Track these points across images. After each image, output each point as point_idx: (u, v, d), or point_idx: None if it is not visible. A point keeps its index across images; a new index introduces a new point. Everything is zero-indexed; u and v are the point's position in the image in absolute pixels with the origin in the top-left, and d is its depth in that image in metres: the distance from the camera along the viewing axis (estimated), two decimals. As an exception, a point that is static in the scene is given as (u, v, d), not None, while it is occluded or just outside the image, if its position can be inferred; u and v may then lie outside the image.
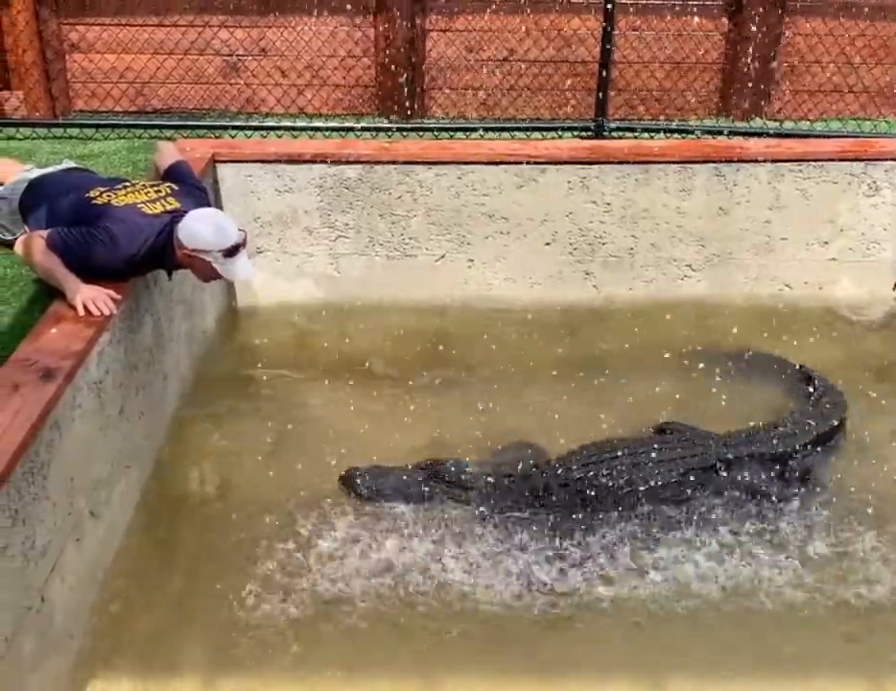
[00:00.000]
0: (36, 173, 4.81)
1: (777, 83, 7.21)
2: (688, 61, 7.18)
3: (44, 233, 4.12)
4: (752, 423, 4.73)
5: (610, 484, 4.26)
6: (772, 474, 4.43)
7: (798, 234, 6.19)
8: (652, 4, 7.01)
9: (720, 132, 6.71)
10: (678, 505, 4.29)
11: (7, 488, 2.99)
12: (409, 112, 7.15)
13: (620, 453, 4.36)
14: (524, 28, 7.03)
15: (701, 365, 5.33)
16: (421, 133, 6.74)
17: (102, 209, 4.26)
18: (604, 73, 6.58)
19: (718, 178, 6.03)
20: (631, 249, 6.19)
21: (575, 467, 4.30)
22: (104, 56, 7.07)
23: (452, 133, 6.76)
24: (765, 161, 5.99)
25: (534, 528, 4.15)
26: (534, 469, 4.36)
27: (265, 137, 6.67)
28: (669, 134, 6.70)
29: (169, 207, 4.33)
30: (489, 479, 4.32)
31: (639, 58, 7.13)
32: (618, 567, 3.98)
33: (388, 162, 5.94)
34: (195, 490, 4.46)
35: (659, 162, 5.98)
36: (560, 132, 6.79)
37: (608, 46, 6.49)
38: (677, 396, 5.03)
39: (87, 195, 4.37)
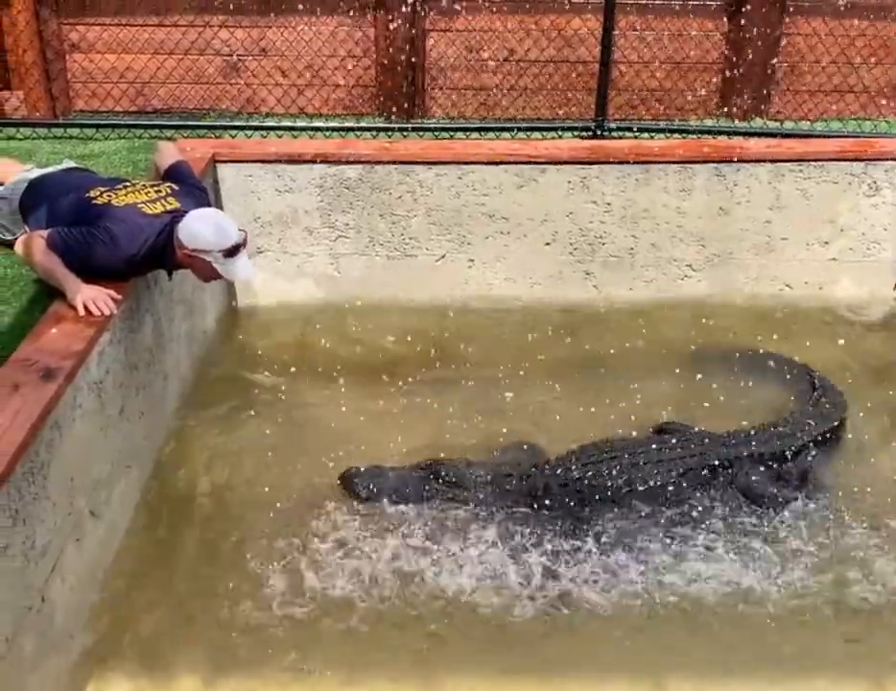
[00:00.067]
0: (37, 173, 4.82)
1: (777, 83, 7.21)
2: (688, 61, 7.18)
3: (44, 233, 4.12)
4: (752, 423, 4.73)
5: (609, 484, 4.25)
6: (772, 474, 4.43)
7: (798, 234, 6.19)
8: (653, 4, 7.01)
9: (721, 132, 6.71)
10: (678, 505, 4.29)
11: (7, 487, 3.00)
12: (409, 112, 7.16)
13: (619, 453, 4.35)
14: (524, 28, 7.03)
15: (701, 365, 5.34)
16: (421, 133, 6.74)
17: (102, 209, 4.26)
18: (605, 73, 6.58)
19: (718, 178, 6.03)
20: (631, 249, 6.19)
21: (574, 467, 4.30)
22: (104, 56, 7.07)
23: (452, 133, 6.76)
24: (765, 161, 5.99)
25: (534, 528, 4.14)
26: (534, 469, 4.35)
27: (265, 137, 6.67)
28: (669, 134, 6.69)
29: (169, 207, 4.34)
30: (489, 479, 4.32)
31: (639, 58, 7.13)
32: (618, 567, 3.98)
33: (388, 162, 5.95)
34: (195, 490, 4.45)
35: (659, 162, 5.99)
36: (560, 132, 6.79)
37: (608, 46, 6.49)
38: (677, 396, 5.04)
39: (88, 195, 4.37)
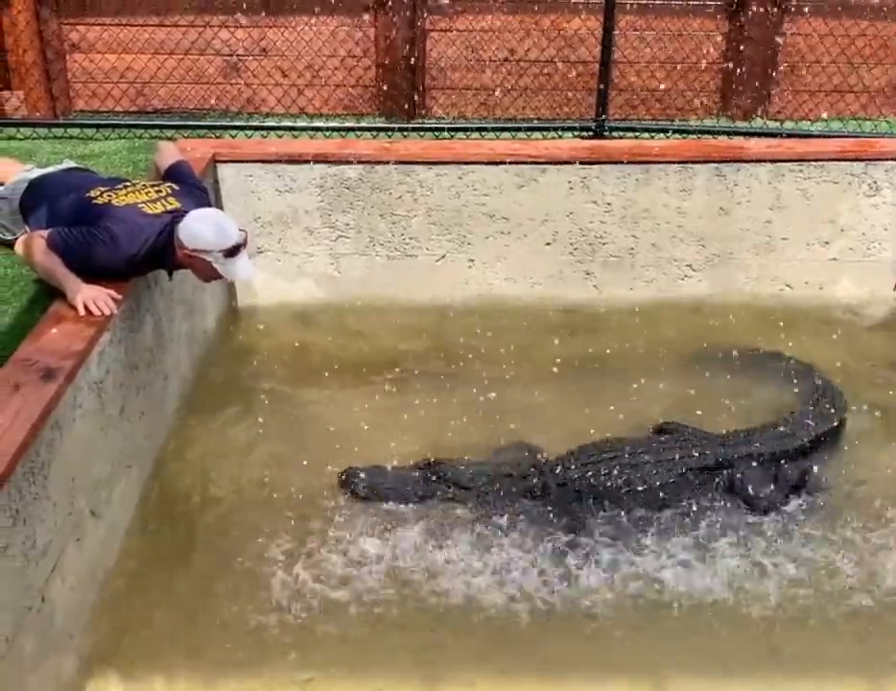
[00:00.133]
0: (37, 173, 4.82)
1: (777, 83, 7.21)
2: (688, 61, 7.17)
3: (45, 233, 4.12)
4: (752, 423, 4.73)
5: (609, 484, 4.26)
6: (770, 474, 4.43)
7: (799, 234, 6.19)
8: (653, 4, 7.01)
9: (721, 132, 6.71)
10: (677, 505, 4.29)
11: (8, 487, 3.00)
12: (409, 112, 7.17)
13: (619, 453, 4.36)
14: (524, 28, 7.03)
15: (701, 365, 5.34)
16: (422, 133, 6.74)
17: (102, 209, 4.26)
18: (605, 73, 6.58)
19: (718, 178, 6.03)
20: (632, 249, 6.19)
21: (573, 467, 4.30)
22: (104, 56, 7.07)
23: (452, 133, 6.76)
24: (765, 161, 5.99)
25: (533, 528, 4.15)
26: (533, 469, 4.36)
27: (265, 137, 6.67)
28: (669, 134, 6.70)
29: (169, 207, 4.34)
30: (488, 479, 4.32)
31: (639, 58, 7.13)
32: (617, 567, 3.98)
33: (388, 162, 5.95)
34: (195, 490, 4.45)
35: (660, 162, 5.98)
36: (561, 132, 6.79)
37: (609, 46, 6.49)
38: (677, 396, 5.03)
39: (88, 195, 4.37)
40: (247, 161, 5.90)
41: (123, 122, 6.83)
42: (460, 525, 4.18)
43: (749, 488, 4.35)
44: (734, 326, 5.85)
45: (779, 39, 7.06)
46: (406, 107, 7.15)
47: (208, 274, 4.23)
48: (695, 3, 6.98)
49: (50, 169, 4.91)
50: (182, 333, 5.11)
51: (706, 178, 6.03)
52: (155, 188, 4.49)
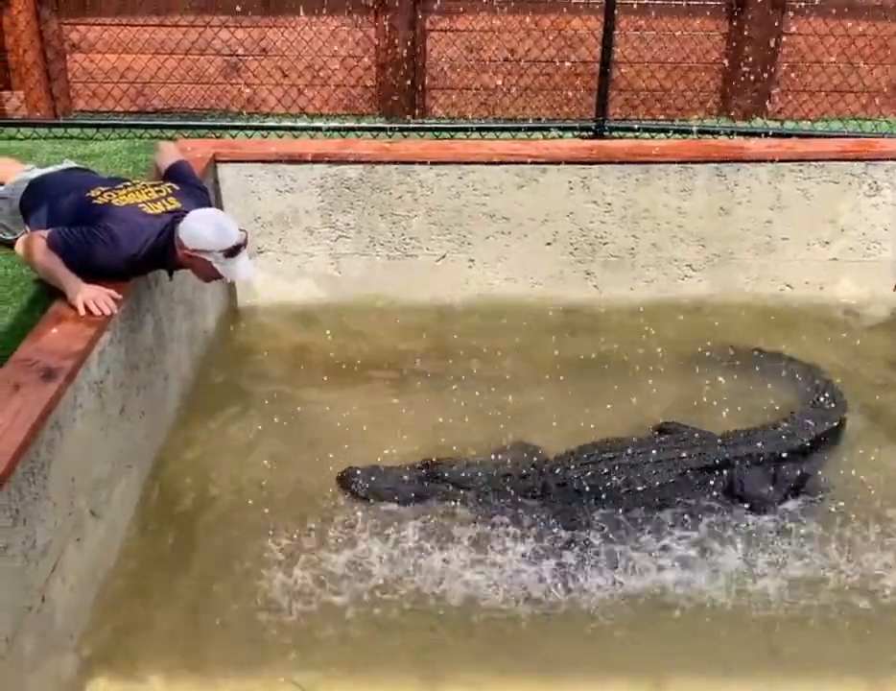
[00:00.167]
0: (37, 173, 4.82)
1: (778, 83, 7.21)
2: (689, 61, 7.18)
3: (45, 233, 4.12)
4: (752, 423, 4.73)
5: (608, 484, 4.26)
6: (770, 475, 4.42)
7: (799, 234, 6.19)
8: (653, 4, 7.01)
9: (721, 132, 6.70)
10: (676, 505, 4.29)
11: (8, 487, 3.00)
12: (410, 112, 7.16)
13: (618, 453, 4.36)
14: (524, 28, 7.03)
15: (702, 365, 5.34)
16: (422, 133, 6.74)
17: (103, 209, 4.26)
18: (605, 73, 6.58)
19: (718, 177, 6.03)
20: (632, 249, 6.19)
21: (573, 467, 4.31)
22: (104, 56, 7.07)
23: (453, 133, 6.75)
24: (765, 161, 5.99)
25: (532, 528, 4.15)
26: (532, 469, 4.36)
27: (266, 137, 6.67)
28: (669, 134, 6.69)
29: (170, 207, 4.34)
30: (487, 479, 4.32)
31: (640, 58, 7.13)
32: (617, 567, 3.98)
33: (388, 162, 5.95)
34: (195, 490, 4.46)
35: (660, 162, 5.98)
36: (561, 132, 6.79)
37: (609, 46, 6.48)
38: (678, 396, 5.03)
39: (88, 195, 4.37)
40: (248, 161, 5.91)
41: (123, 122, 6.83)
42: (460, 525, 4.18)
43: (748, 489, 4.35)
44: (734, 326, 5.85)
45: (779, 39, 7.06)
46: (406, 107, 7.15)
47: (208, 274, 4.22)
48: (695, 3, 6.98)
49: (50, 169, 4.91)
50: (183, 333, 5.11)
51: (706, 178, 6.03)
52: (156, 188, 4.49)
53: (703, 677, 3.58)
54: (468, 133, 6.76)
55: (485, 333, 5.72)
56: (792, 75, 7.20)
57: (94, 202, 4.32)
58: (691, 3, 6.96)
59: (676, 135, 6.67)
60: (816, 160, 6.02)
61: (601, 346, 5.66)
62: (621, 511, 4.23)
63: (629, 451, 4.38)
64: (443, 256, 6.19)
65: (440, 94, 7.26)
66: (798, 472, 4.45)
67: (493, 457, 4.55)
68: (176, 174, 4.75)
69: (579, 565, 3.97)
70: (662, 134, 6.69)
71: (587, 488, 4.25)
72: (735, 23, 7.04)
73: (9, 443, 3.05)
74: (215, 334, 5.76)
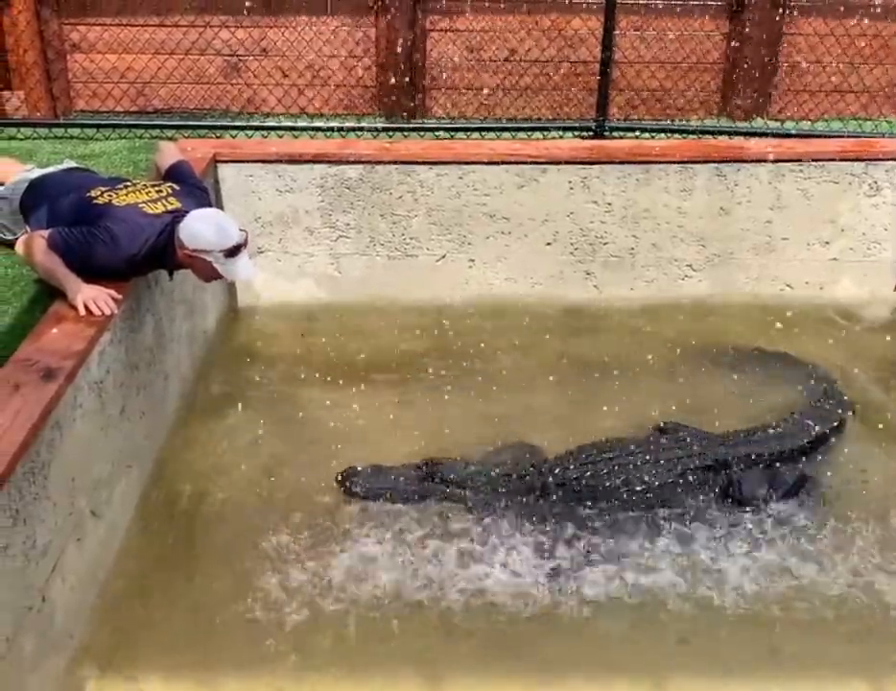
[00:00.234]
0: (37, 173, 4.82)
1: (778, 83, 7.21)
2: (689, 61, 7.18)
3: (45, 233, 4.12)
4: (753, 423, 4.73)
5: (607, 484, 4.26)
6: (769, 475, 4.42)
7: (799, 234, 6.19)
8: (653, 4, 7.01)
9: (721, 132, 6.71)
10: (675, 505, 4.29)
11: (8, 487, 3.00)
12: (410, 112, 7.17)
13: (617, 453, 4.36)
14: (525, 28, 7.03)
15: (702, 365, 5.34)
16: (422, 133, 6.75)
17: (103, 209, 4.26)
18: (605, 73, 6.58)
19: (719, 178, 6.03)
20: (632, 249, 6.19)
21: (572, 467, 4.30)
22: (105, 56, 7.08)
23: (453, 133, 6.76)
24: (765, 161, 5.99)
25: (532, 528, 4.15)
26: (532, 469, 4.36)
27: (266, 137, 6.67)
28: (670, 134, 6.70)
29: (170, 207, 4.34)
30: (487, 479, 4.32)
31: (640, 57, 7.14)
32: (617, 567, 3.98)
33: (389, 162, 5.95)
34: (196, 490, 4.45)
35: (660, 162, 5.99)
36: (561, 132, 6.79)
37: (609, 46, 6.49)
38: (677, 396, 5.03)
39: (88, 195, 4.37)
40: (248, 161, 5.91)
41: (123, 122, 6.84)
42: (459, 525, 4.18)
43: (747, 489, 4.34)
44: (734, 326, 5.85)
45: (779, 39, 7.06)
46: (406, 107, 7.15)
47: (209, 274, 4.23)
48: (695, 3, 6.99)
49: (50, 169, 4.92)
50: (183, 333, 5.12)
51: (706, 178, 6.03)
52: (156, 188, 4.49)
53: (703, 677, 3.58)
54: (468, 133, 6.76)
55: (485, 333, 5.72)
56: (792, 75, 7.21)
57: (94, 202, 4.32)
58: (691, 3, 6.97)
59: (676, 135, 6.68)
60: (816, 160, 6.02)
61: (601, 346, 5.66)
62: (620, 511, 4.23)
63: (629, 451, 4.37)
64: (443, 256, 6.19)
65: (440, 94, 7.27)
66: (797, 473, 4.45)
67: (493, 457, 4.55)
68: (176, 174, 4.75)
69: (579, 565, 3.97)
70: (662, 134, 6.70)
71: (586, 488, 4.25)
72: (735, 23, 7.05)
73: (9, 443, 3.05)
74: (215, 334, 5.76)
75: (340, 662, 3.57)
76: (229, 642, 3.65)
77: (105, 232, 4.10)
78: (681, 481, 4.32)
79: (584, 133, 6.79)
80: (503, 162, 5.97)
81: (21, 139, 6.58)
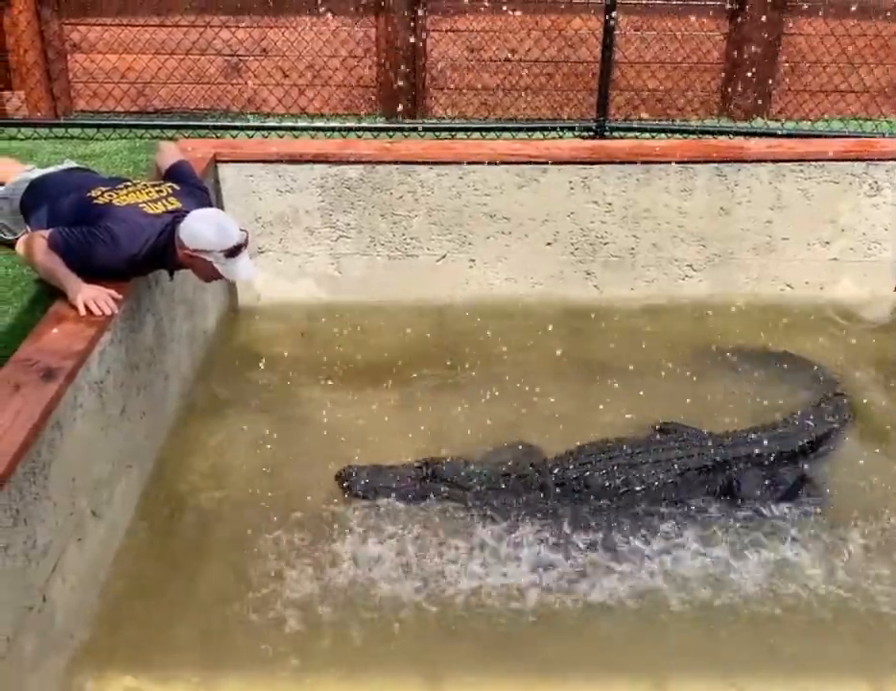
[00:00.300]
0: (38, 173, 4.82)
1: (778, 83, 7.22)
2: (689, 61, 7.18)
3: (45, 233, 4.13)
4: (753, 423, 4.73)
5: (607, 484, 4.26)
6: (769, 475, 4.42)
7: (799, 234, 6.19)
8: (654, 4, 7.01)
9: (722, 132, 6.71)
10: (675, 505, 4.29)
11: (8, 487, 3.00)
12: (410, 112, 7.17)
13: (617, 453, 4.36)
14: (525, 28, 7.03)
15: (702, 365, 5.34)
16: (422, 133, 6.74)
17: (103, 209, 4.26)
18: (606, 73, 6.59)
19: (719, 178, 6.03)
20: (632, 249, 6.19)
21: (572, 467, 4.30)
22: (105, 56, 7.08)
23: (453, 133, 6.76)
24: (766, 161, 5.99)
25: (531, 527, 4.14)
26: (531, 469, 4.36)
27: (266, 137, 6.67)
28: (670, 134, 6.70)
29: (170, 207, 4.34)
30: (486, 478, 4.32)
31: (640, 58, 7.14)
32: (616, 567, 3.98)
33: (389, 162, 5.95)
34: (196, 490, 4.46)
35: (660, 162, 5.99)
36: (562, 132, 6.79)
37: (609, 46, 6.49)
38: (678, 396, 5.03)
39: (89, 195, 4.38)
40: (248, 161, 5.91)
41: (124, 122, 6.84)
42: (459, 525, 4.18)
43: (746, 489, 4.34)
44: (734, 326, 5.84)
45: (779, 39, 7.06)
46: (407, 106, 7.16)
47: (209, 274, 4.23)
48: (695, 3, 6.99)
49: (51, 169, 4.92)
50: (183, 333, 5.12)
51: (707, 179, 6.03)
52: (156, 188, 4.49)
53: (703, 677, 3.58)
54: (469, 133, 6.77)
55: (486, 333, 5.71)
56: (793, 75, 7.21)
57: (95, 202, 4.32)
58: (691, 3, 6.96)
59: (677, 135, 6.68)
60: (817, 160, 6.02)
61: (601, 347, 5.65)
62: (620, 511, 4.23)
63: (629, 451, 4.37)
64: (444, 256, 6.19)
65: (441, 94, 7.27)
66: (797, 473, 4.45)
67: (493, 456, 4.55)
68: (176, 174, 4.75)
69: (579, 565, 3.97)
70: (662, 134, 6.71)
71: (586, 489, 4.25)
72: (735, 23, 7.05)
73: (9, 443, 3.06)
74: (215, 334, 5.76)
75: (339, 662, 3.58)
76: (229, 642, 3.65)
77: (105, 232, 4.10)
78: (681, 481, 4.32)
79: (585, 133, 6.79)
80: (503, 162, 5.96)
81: (22, 139, 6.58)
